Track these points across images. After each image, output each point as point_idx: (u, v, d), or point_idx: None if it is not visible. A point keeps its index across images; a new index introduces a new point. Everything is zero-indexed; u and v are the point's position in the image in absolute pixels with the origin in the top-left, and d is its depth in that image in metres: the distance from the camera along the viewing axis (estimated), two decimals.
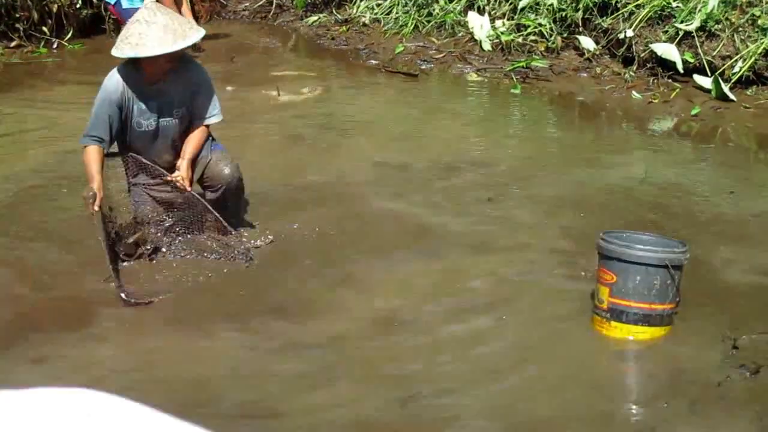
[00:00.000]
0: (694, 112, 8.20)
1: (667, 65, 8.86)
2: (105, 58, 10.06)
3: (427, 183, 6.63)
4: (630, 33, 8.98)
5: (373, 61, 10.27)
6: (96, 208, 4.87)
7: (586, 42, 9.44)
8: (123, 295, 4.81)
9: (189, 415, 3.81)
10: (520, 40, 9.86)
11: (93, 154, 4.99)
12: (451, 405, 4.04)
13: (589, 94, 8.97)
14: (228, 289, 5.10)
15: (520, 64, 9.51)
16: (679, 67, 8.70)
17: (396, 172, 6.86)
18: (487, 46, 10.01)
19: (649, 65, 9.04)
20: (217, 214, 5.21)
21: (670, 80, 8.83)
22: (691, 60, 8.66)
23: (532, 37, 9.86)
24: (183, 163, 5.19)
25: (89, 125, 5.04)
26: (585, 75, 9.38)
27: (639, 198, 6.34)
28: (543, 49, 9.76)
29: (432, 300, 4.99)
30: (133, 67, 5.03)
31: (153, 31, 4.83)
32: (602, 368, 4.39)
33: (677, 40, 8.76)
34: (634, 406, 4.14)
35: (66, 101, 8.89)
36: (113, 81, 5.03)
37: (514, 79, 9.33)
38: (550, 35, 9.76)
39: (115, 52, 4.93)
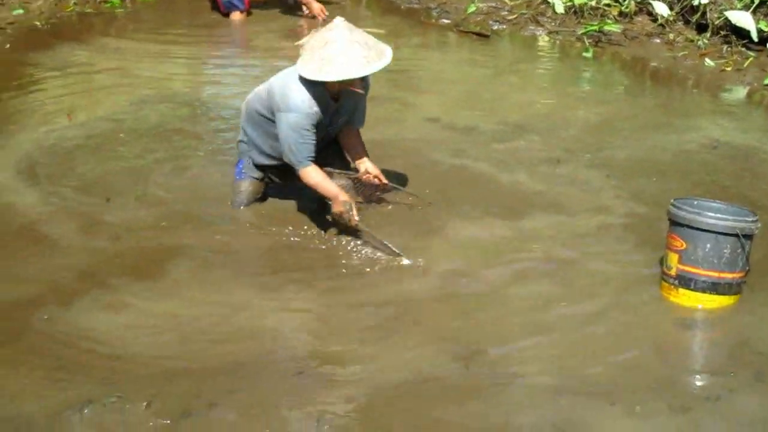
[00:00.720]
0: (767, 81, 8.03)
1: (741, 33, 8.69)
2: (175, 13, 10.28)
3: (497, 143, 6.63)
4: None
5: (445, 21, 10.22)
6: (357, 217, 4.95)
7: (660, 7, 9.28)
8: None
9: (262, 364, 3.98)
10: (593, 3, 9.74)
11: (317, 172, 5.03)
12: (515, 364, 4.07)
13: (662, 60, 8.85)
14: (299, 245, 5.16)
15: (593, 28, 9.38)
16: (754, 35, 8.53)
17: (464, 131, 6.87)
18: (560, 8, 9.90)
19: (722, 33, 8.87)
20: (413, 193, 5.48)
21: (743, 49, 8.67)
22: (766, 29, 8.49)
23: (605, 1, 9.73)
24: (368, 163, 5.32)
25: (296, 149, 4.97)
26: (658, 41, 9.24)
27: (712, 164, 6.29)
28: (616, 13, 9.63)
29: (500, 258, 5.00)
30: (319, 84, 4.93)
31: (356, 51, 4.79)
32: (668, 334, 4.37)
33: (752, 8, 8.60)
34: (698, 374, 4.13)
35: (137, 52, 9.01)
36: (305, 102, 4.95)
37: (586, 43, 9.24)
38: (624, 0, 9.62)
39: (317, 75, 4.83)
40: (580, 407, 3.78)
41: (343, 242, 5.12)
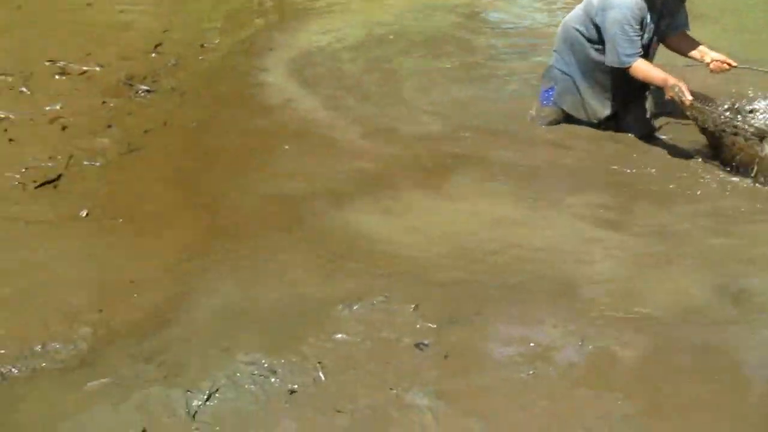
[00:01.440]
0: None
1: None
2: None
3: None
4: None
5: None
6: (689, 96, 4.96)
7: None
8: None
9: (530, 281, 3.93)
10: None
11: (645, 64, 5.10)
12: None
13: None
14: (592, 168, 5.12)
15: None
16: None
17: None
18: None
19: None
20: None
21: None
22: None
23: None
24: (712, 52, 5.21)
25: (623, 45, 5.04)
26: None
27: None
28: None
29: None
30: None
31: None
32: None
33: None
34: None
35: None
36: (636, 2, 5.03)
37: None
38: None
39: None
40: None
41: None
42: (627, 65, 5.04)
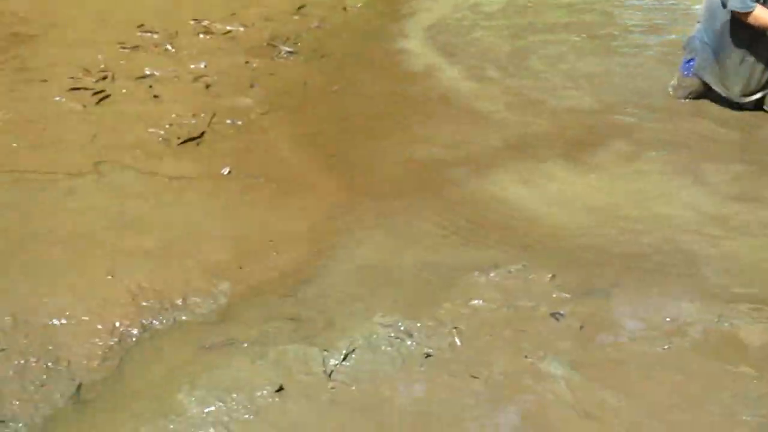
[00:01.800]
0: None
1: None
2: None
3: None
4: None
5: None
6: None
7: None
8: None
9: (666, 253, 3.83)
10: None
11: (764, 11, 5.02)
12: None
13: None
14: (717, 137, 5.02)
15: None
16: None
17: None
18: None
19: None
20: None
21: None
22: None
23: None
24: None
25: None
26: None
27: None
28: None
29: None
30: None
31: None
32: None
33: None
34: None
35: None
36: None
37: None
38: None
39: None
40: None
41: None
42: (748, 10, 4.96)
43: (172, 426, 2.92)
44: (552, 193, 4.50)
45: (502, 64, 6.21)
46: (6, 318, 3.44)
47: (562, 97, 5.66)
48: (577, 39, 6.64)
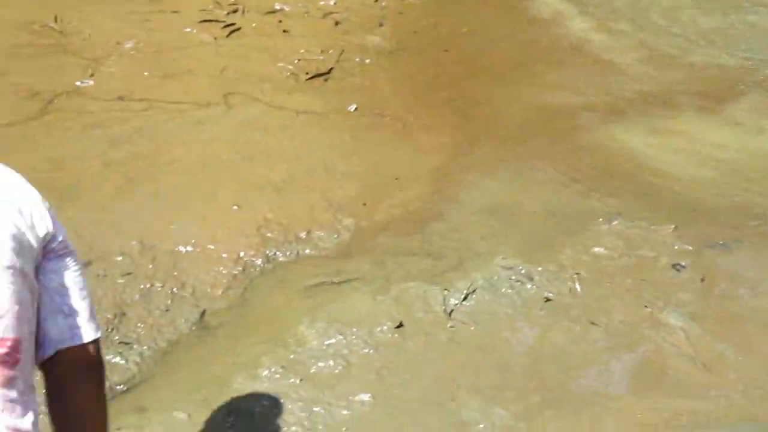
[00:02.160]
0: None
1: None
2: None
3: None
4: None
5: None
6: None
7: None
8: None
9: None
10: None
11: None
12: None
13: None
14: None
15: None
16: None
17: None
18: None
19: None
20: None
21: None
22: None
23: None
24: None
25: None
26: None
27: None
28: None
29: None
30: None
31: None
32: None
33: None
34: None
35: None
36: None
37: None
38: None
39: None
40: None
41: None
42: None
43: (292, 356, 2.95)
44: (680, 144, 4.42)
45: (631, 17, 6.03)
46: (133, 243, 3.51)
47: (699, 54, 5.49)
48: None
